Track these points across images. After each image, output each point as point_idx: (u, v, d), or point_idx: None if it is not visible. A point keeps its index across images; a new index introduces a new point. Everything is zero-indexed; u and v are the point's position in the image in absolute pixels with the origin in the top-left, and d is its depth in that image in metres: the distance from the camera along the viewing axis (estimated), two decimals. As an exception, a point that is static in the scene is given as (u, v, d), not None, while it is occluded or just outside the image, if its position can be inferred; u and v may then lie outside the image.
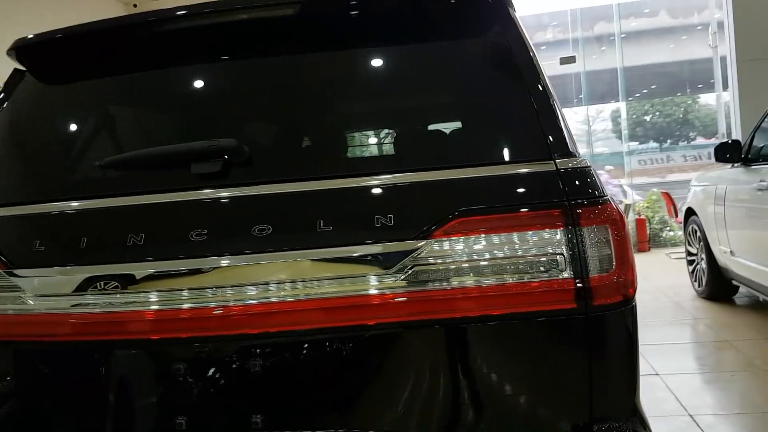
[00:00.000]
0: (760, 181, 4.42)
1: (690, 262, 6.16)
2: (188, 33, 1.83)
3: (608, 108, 15.08)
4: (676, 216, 7.71)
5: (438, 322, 1.48)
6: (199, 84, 1.93)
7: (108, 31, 1.89)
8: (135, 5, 8.30)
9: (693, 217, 5.92)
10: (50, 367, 1.70)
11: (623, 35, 12.80)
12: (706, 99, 15.95)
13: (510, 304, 1.46)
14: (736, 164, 5.07)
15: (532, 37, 1.79)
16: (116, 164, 1.76)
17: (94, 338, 1.60)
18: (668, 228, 9.69)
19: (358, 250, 1.47)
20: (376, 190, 1.56)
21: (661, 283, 6.60)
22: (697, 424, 3.13)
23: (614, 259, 1.47)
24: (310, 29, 1.82)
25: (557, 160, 1.51)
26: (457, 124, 1.83)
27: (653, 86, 17.76)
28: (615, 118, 15.12)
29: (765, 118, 4.90)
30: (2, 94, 1.90)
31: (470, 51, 1.77)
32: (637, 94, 16.66)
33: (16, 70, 1.92)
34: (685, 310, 5.51)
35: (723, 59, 9.68)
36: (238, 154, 1.61)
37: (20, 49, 1.87)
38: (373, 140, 1.99)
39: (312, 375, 1.55)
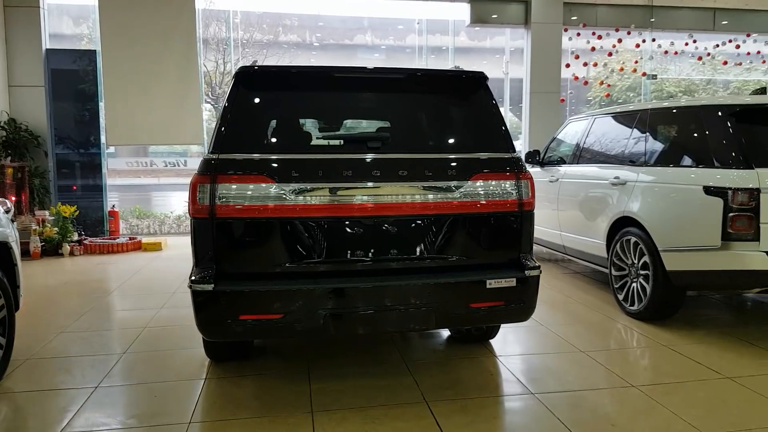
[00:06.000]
0: (551, 176, 7.10)
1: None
2: (343, 81, 3.81)
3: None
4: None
5: (472, 214, 3.60)
6: (351, 104, 3.92)
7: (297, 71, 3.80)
8: None
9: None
10: (296, 228, 3.46)
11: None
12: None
13: (494, 208, 3.63)
14: (536, 166, 7.62)
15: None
16: (334, 137, 3.66)
17: (320, 215, 3.44)
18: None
19: (440, 183, 3.53)
20: (447, 160, 3.61)
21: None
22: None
23: (530, 193, 3.71)
24: (408, 85, 3.86)
25: (511, 153, 3.73)
26: (478, 135, 3.87)
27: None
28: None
29: (553, 139, 7.63)
30: (230, 94, 3.59)
31: (477, 102, 3.90)
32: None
33: (233, 82, 3.65)
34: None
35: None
36: (387, 139, 3.62)
37: (236, 74, 3.65)
38: (442, 139, 3.98)
39: (414, 234, 3.56)
